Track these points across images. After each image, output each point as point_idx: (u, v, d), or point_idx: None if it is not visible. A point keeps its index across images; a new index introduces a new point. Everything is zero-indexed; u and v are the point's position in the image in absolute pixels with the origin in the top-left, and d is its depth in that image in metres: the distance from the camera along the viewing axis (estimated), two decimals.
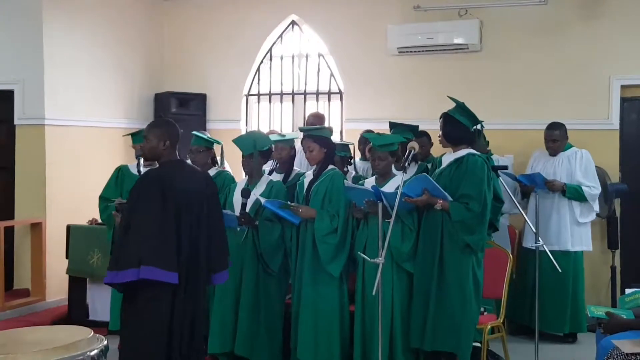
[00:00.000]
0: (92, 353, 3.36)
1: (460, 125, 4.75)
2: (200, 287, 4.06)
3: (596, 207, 6.08)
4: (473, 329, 4.73)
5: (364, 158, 6.18)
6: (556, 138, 6.13)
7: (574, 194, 5.97)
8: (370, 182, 4.96)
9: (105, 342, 3.49)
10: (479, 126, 5.68)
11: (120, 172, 5.83)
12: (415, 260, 4.77)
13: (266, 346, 5.07)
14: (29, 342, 3.42)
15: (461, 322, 4.61)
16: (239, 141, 5.28)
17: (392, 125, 5.57)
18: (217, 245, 4.13)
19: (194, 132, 5.83)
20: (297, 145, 5.68)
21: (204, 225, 4.04)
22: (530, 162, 6.35)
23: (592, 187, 5.99)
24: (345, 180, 5.00)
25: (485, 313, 5.08)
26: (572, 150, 6.15)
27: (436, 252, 4.66)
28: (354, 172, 5.83)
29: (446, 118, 4.79)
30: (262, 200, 4.95)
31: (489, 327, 4.94)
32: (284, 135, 5.62)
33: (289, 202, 5.01)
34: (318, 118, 6.90)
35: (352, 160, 5.82)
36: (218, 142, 5.86)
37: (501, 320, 5.13)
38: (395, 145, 4.91)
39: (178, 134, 4.15)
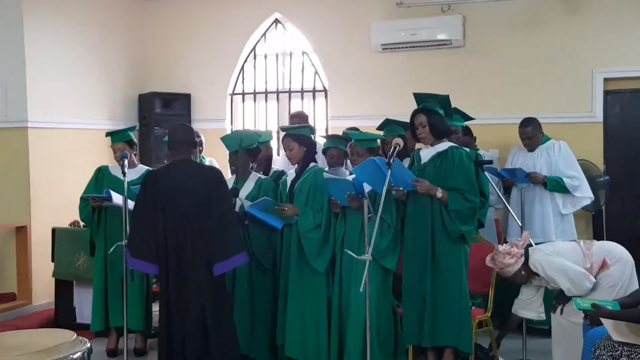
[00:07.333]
0: (75, 356, 3.36)
1: (442, 118, 4.73)
2: (188, 275, 4.36)
3: (589, 192, 5.95)
4: (470, 320, 4.71)
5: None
6: (529, 135, 6.03)
7: (555, 186, 5.91)
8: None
9: (88, 345, 3.47)
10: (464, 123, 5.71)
11: (100, 173, 5.83)
12: (405, 256, 4.73)
13: (263, 343, 5.12)
14: (11, 346, 3.40)
15: (460, 314, 4.59)
16: (225, 138, 5.36)
17: (386, 122, 5.52)
18: (216, 237, 4.38)
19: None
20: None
21: (194, 219, 4.36)
22: (509, 158, 6.26)
23: (574, 178, 5.91)
24: (324, 173, 4.97)
25: (473, 307, 5.08)
26: (550, 143, 6.07)
27: (427, 246, 4.61)
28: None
29: (428, 112, 4.69)
30: (247, 204, 4.94)
31: (477, 321, 4.94)
32: (259, 136, 5.61)
33: (274, 201, 4.99)
34: (301, 118, 6.85)
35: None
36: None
37: (489, 315, 5.13)
38: (375, 142, 4.91)
39: (182, 136, 4.62)
